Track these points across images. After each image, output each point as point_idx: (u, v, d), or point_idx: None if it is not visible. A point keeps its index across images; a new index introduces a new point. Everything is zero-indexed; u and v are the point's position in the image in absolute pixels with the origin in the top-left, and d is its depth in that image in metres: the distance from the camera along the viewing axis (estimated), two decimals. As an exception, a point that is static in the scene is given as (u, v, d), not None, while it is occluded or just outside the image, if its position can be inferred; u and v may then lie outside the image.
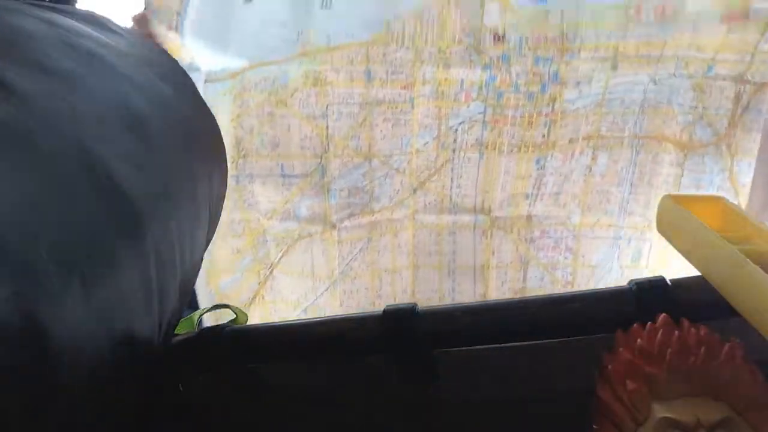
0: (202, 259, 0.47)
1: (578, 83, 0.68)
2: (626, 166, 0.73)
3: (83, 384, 0.28)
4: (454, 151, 0.72)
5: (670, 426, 0.31)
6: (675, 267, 0.57)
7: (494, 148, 0.71)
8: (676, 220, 0.39)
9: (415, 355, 0.41)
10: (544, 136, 0.71)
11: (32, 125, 0.27)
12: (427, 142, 0.72)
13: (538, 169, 0.73)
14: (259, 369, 0.44)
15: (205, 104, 0.46)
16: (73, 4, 0.45)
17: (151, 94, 0.38)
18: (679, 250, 0.40)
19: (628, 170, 0.74)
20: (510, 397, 0.41)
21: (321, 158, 0.72)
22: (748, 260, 0.33)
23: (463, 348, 0.41)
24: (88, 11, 0.41)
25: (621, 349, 0.35)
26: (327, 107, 0.71)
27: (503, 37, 0.67)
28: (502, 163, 0.72)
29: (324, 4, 0.66)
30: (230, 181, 0.59)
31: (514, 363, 0.41)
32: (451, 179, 0.74)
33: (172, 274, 0.36)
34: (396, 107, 0.70)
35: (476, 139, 0.71)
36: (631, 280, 0.39)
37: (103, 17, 0.41)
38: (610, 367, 0.35)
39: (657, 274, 0.40)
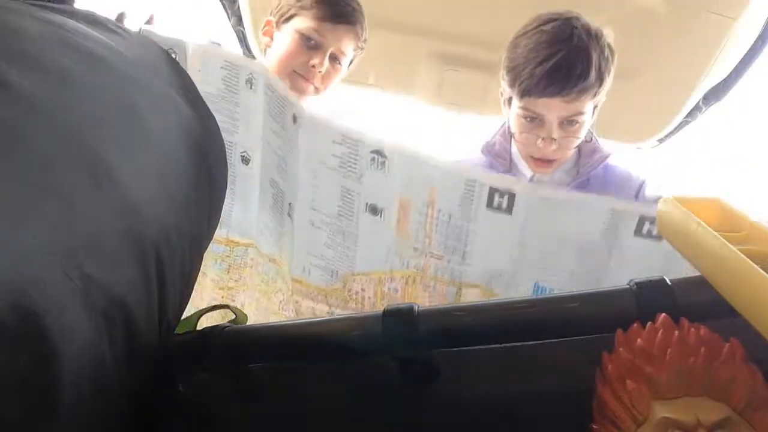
0: (202, 258, 0.47)
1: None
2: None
3: (84, 382, 0.28)
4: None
5: (670, 426, 0.31)
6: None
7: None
8: (676, 221, 0.39)
9: (415, 355, 0.41)
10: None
11: (32, 125, 0.27)
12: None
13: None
14: (259, 369, 0.44)
15: (205, 104, 0.46)
16: (71, 4, 0.45)
17: (151, 93, 0.38)
18: (680, 251, 0.40)
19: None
20: (510, 396, 0.41)
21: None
22: (748, 260, 0.33)
23: (463, 348, 0.41)
24: (88, 11, 0.41)
25: (621, 349, 0.35)
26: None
27: None
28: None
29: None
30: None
31: (514, 363, 0.41)
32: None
33: (172, 274, 0.36)
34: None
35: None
36: (631, 280, 0.39)
37: (103, 17, 0.41)
38: (610, 367, 0.35)
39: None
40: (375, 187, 0.64)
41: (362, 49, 1.02)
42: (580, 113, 0.89)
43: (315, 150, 0.66)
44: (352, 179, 0.65)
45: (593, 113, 0.94)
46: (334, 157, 0.64)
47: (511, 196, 0.58)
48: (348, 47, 0.98)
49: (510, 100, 0.95)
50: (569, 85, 0.86)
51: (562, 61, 0.86)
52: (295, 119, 0.67)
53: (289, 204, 0.72)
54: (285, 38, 0.97)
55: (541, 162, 0.94)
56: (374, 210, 0.65)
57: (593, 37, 0.88)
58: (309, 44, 0.95)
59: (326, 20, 0.95)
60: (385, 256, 0.67)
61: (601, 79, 0.88)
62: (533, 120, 0.91)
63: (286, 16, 0.97)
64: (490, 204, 0.59)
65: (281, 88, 0.69)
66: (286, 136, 0.69)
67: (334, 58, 0.98)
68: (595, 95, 0.89)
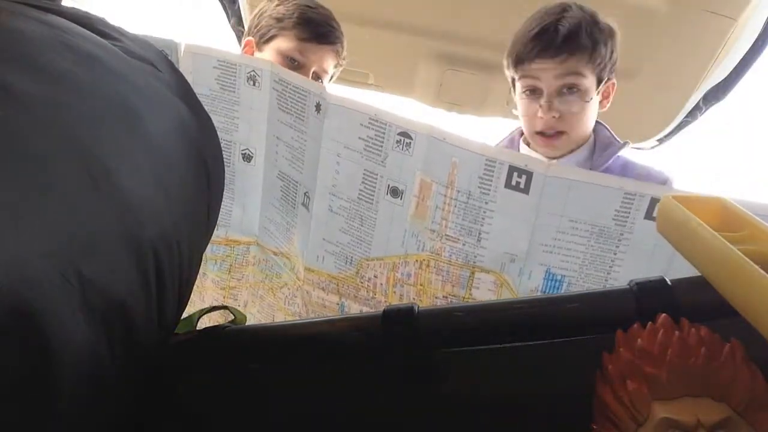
0: (201, 259, 0.47)
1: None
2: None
3: (83, 385, 0.28)
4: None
5: (670, 426, 0.31)
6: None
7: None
8: (676, 220, 0.39)
9: (415, 355, 0.41)
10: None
11: (30, 126, 0.27)
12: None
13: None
14: (259, 369, 0.44)
15: (200, 104, 0.46)
16: (67, 5, 0.44)
17: (148, 94, 0.38)
18: (680, 250, 0.40)
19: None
20: (510, 396, 0.41)
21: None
22: (748, 260, 0.32)
23: (463, 348, 0.41)
24: (84, 12, 0.41)
25: (621, 349, 0.35)
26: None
27: None
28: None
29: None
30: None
31: (514, 363, 0.41)
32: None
33: (171, 275, 0.36)
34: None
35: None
36: (631, 281, 0.39)
37: (100, 18, 0.41)
38: (610, 367, 0.35)
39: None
40: (398, 168, 0.65)
41: (342, 66, 1.04)
42: (577, 74, 0.88)
43: (340, 135, 0.67)
44: (376, 162, 0.65)
45: (598, 90, 0.91)
46: (360, 140, 0.65)
47: (529, 175, 0.59)
48: (330, 66, 1.00)
49: (514, 82, 0.94)
50: (557, 42, 0.86)
51: (550, 25, 0.87)
52: (318, 107, 0.67)
53: (305, 193, 0.73)
54: (267, 59, 0.97)
55: (545, 138, 0.92)
56: (395, 192, 0.66)
57: (587, 13, 0.89)
58: (293, 65, 0.96)
59: (309, 41, 0.96)
60: (401, 239, 0.67)
61: (594, 44, 0.87)
62: (533, 92, 0.91)
63: (267, 36, 0.98)
64: (508, 183, 0.60)
65: (299, 80, 0.69)
66: (305, 125, 0.70)
67: (317, 77, 0.99)
68: (591, 61, 0.88)
